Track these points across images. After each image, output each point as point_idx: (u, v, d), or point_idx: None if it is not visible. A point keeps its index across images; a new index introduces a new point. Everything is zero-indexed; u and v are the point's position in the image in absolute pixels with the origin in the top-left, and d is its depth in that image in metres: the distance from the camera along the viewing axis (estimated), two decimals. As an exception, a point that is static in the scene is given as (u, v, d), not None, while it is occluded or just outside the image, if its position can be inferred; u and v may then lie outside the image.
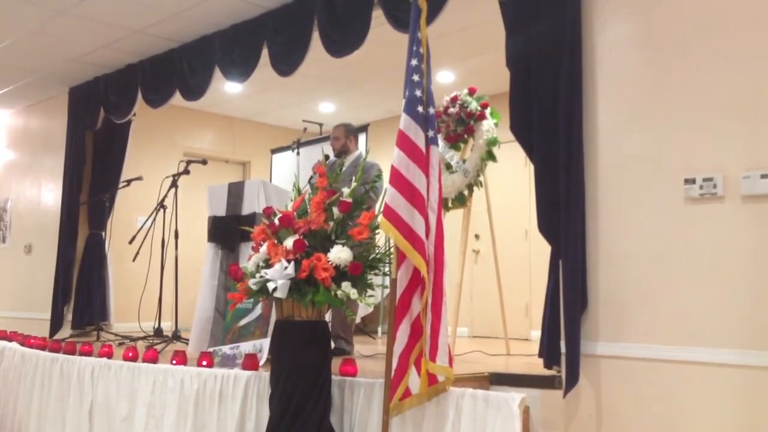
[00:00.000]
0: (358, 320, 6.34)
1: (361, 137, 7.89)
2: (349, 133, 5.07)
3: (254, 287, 3.35)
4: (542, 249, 3.54)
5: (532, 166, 3.49)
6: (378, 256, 3.48)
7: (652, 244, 3.05)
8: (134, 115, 6.63)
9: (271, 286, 3.25)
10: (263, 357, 4.02)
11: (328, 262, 3.25)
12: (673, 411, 2.92)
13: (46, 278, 7.00)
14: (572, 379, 3.10)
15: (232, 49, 5.41)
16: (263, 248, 3.45)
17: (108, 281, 6.89)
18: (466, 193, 4.85)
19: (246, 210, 4.79)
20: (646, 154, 3.11)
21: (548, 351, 3.36)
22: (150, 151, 7.63)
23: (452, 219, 4.79)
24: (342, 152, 5.03)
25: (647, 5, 3.18)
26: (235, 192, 4.92)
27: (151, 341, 5.40)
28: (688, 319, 2.92)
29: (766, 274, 2.75)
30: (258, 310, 4.33)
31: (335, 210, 3.42)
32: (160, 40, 5.86)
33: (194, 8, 5.22)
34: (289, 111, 8.20)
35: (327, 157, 5.07)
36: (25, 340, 5.65)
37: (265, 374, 3.61)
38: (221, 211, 4.97)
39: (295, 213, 3.50)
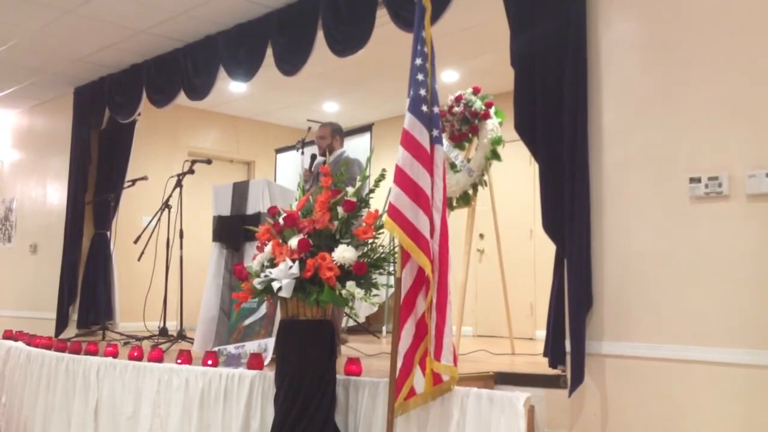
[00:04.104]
0: (362, 319, 6.35)
1: (365, 136, 7.90)
2: (335, 132, 5.17)
3: (259, 286, 3.36)
4: (547, 248, 3.54)
5: (536, 166, 3.49)
6: (383, 255, 3.48)
7: (658, 243, 3.04)
8: (139, 114, 6.64)
9: (275, 285, 3.25)
10: (268, 356, 4.03)
11: (333, 261, 3.25)
12: (678, 410, 2.91)
13: (51, 278, 7.02)
14: (577, 378, 3.09)
15: (236, 49, 5.42)
16: (268, 248, 3.46)
17: (113, 281, 6.91)
18: (470, 192, 4.84)
19: (251, 209, 4.80)
20: (651, 153, 3.10)
21: (553, 350, 3.36)
22: (155, 150, 7.65)
23: (457, 218, 4.79)
24: (327, 151, 5.07)
25: (652, 5, 3.17)
26: (240, 191, 4.93)
27: (156, 341, 5.42)
28: (693, 318, 2.91)
29: (772, 273, 2.75)
30: (263, 310, 4.33)
31: (340, 209, 3.43)
32: (164, 40, 5.87)
33: (199, 8, 5.22)
34: (294, 110, 8.21)
35: (314, 156, 5.14)
36: (30, 340, 5.67)
37: (269, 373, 3.62)
38: (226, 211, 4.98)
39: (299, 212, 3.50)
